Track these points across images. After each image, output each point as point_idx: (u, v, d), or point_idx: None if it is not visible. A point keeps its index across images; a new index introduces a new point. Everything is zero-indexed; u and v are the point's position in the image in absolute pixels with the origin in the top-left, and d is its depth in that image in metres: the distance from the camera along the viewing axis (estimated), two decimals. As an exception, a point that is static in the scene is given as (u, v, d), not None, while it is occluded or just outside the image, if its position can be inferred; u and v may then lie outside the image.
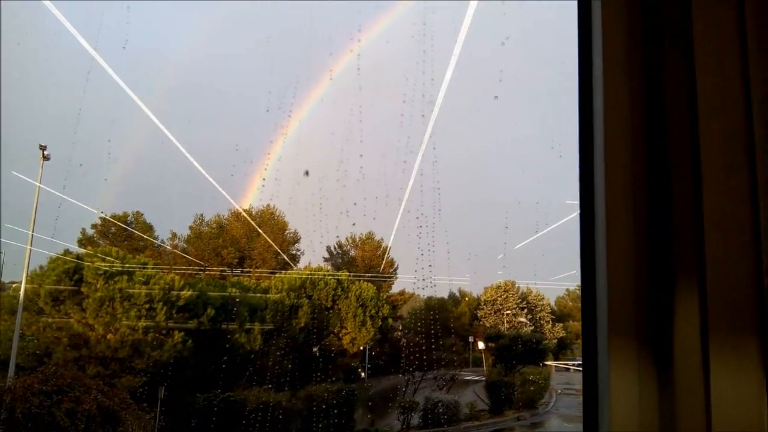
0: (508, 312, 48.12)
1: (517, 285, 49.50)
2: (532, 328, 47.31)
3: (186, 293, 26.54)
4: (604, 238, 1.17)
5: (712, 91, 1.19)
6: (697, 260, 1.13)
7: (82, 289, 23.79)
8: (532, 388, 30.08)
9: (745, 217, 1.14)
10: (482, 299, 49.73)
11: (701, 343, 1.10)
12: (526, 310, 49.28)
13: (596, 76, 1.27)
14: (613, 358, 1.13)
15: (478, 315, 49.15)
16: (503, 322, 47.14)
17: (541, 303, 50.76)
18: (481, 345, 42.00)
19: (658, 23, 1.25)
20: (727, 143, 1.17)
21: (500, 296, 48.96)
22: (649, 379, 1.13)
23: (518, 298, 49.52)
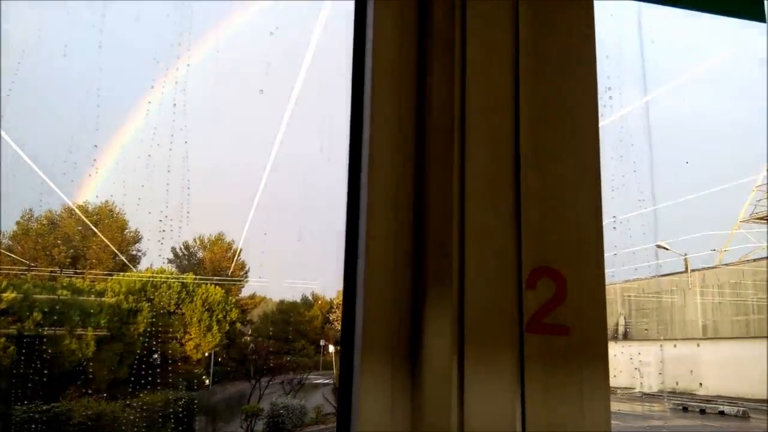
0: (359, 315, 48.74)
1: (367, 289, 50.20)
2: (381, 331, 48.22)
3: (9, 295, 24.16)
4: (365, 248, 1.08)
5: (482, 103, 1.14)
6: (459, 273, 1.06)
7: None
8: (377, 391, 30.47)
9: (508, 229, 1.09)
10: (335, 302, 50.02)
11: (457, 357, 1.03)
12: (375, 314, 50.14)
13: (367, 82, 1.18)
14: (366, 374, 1.03)
15: (330, 318, 49.39)
16: (353, 326, 47.70)
17: (390, 306, 51.79)
18: (331, 348, 42.23)
19: (429, 32, 1.18)
20: (493, 156, 1.12)
21: (351, 300, 49.44)
22: (402, 394, 1.05)
23: (368, 302, 50.33)
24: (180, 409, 22.87)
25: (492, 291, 1.05)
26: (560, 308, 1.07)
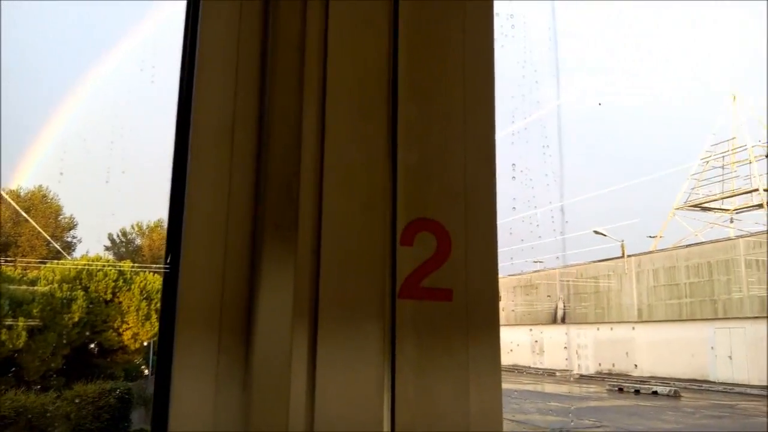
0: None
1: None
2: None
3: (-68, 284, 22.99)
4: (188, 192, 0.85)
5: (349, 14, 0.93)
6: (314, 225, 0.85)
7: None
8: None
9: (379, 172, 0.89)
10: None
11: (310, 328, 0.83)
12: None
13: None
14: (182, 349, 0.82)
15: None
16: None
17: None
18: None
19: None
20: (361, 82, 0.91)
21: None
22: (229, 375, 0.83)
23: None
24: (115, 400, 22.18)
25: (357, 247, 0.85)
26: (442, 269, 0.89)
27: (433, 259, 0.88)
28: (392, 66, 0.92)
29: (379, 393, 0.82)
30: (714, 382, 27.64)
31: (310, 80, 0.86)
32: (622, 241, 38.06)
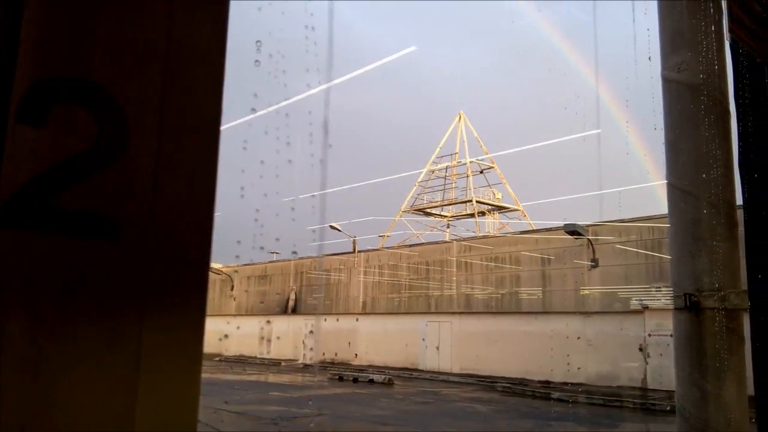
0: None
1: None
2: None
3: None
4: None
5: None
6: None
7: None
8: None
9: None
10: None
11: None
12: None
13: None
14: None
15: None
16: None
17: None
18: None
19: None
20: None
21: None
22: None
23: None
24: None
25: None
26: (105, 178, 0.46)
27: (86, 157, 0.45)
28: None
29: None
30: (423, 371, 30.36)
31: None
32: (354, 237, 40.05)
